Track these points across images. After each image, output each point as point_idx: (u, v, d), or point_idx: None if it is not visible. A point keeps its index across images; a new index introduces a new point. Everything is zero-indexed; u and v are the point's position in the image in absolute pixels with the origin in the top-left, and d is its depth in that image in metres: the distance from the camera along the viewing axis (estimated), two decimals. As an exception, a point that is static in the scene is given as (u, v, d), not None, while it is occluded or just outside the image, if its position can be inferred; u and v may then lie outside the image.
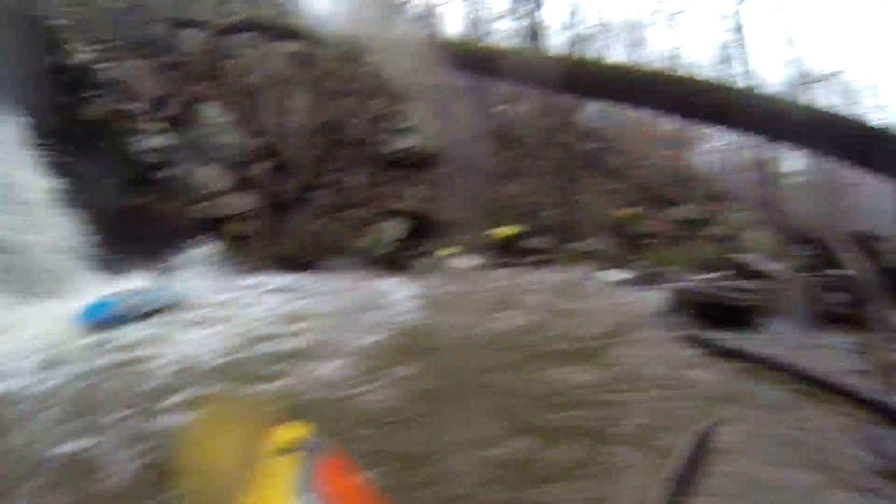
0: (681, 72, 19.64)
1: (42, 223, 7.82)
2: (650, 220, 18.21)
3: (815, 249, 9.34)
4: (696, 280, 8.83)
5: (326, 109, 17.34)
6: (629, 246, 14.96)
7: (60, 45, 9.94)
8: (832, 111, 10.02)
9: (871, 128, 9.09)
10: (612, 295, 8.92)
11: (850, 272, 7.44)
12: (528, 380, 4.55)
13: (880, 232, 8.86)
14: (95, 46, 12.71)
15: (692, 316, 6.66)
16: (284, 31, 14.64)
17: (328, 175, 15.29)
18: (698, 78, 10.90)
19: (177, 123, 13.07)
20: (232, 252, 11.05)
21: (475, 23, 24.90)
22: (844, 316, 6.61)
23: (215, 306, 7.51)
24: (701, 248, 15.73)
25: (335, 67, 18.81)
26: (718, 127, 14.16)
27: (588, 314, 7.26)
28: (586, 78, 11.13)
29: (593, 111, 25.63)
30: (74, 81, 10.12)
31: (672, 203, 19.28)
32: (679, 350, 5.50)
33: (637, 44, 28.26)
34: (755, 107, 9.44)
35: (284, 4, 18.47)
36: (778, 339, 5.97)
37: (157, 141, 11.57)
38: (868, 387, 4.08)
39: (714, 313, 6.59)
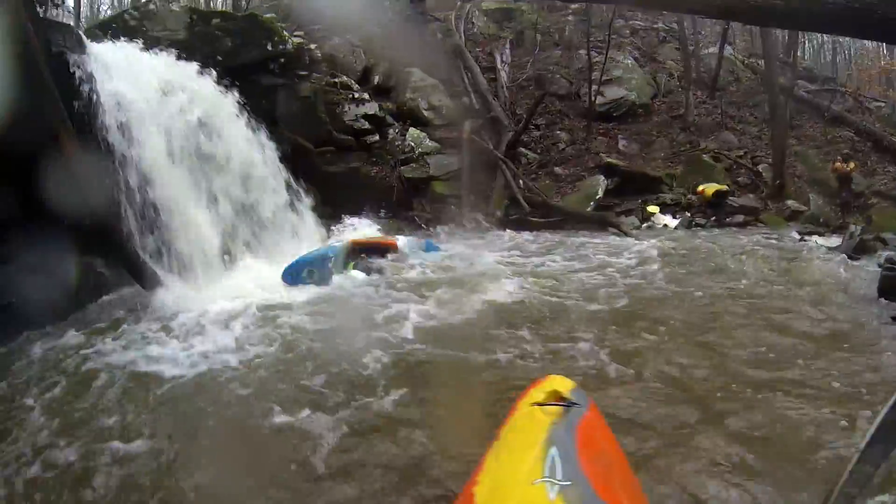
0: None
1: (277, 192, 8.51)
2: (876, 176, 15.46)
3: None
4: None
5: (532, 64, 17.01)
6: (849, 206, 13.14)
7: (275, 34, 10.54)
8: None
9: None
10: (821, 264, 7.69)
11: None
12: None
13: None
14: (304, 31, 13.56)
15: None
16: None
17: (536, 131, 14.96)
18: None
19: (384, 91, 13.52)
20: (441, 212, 11.40)
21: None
22: None
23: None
24: None
25: (538, 20, 18.39)
26: None
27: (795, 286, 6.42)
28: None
29: (810, 49, 22.52)
30: (290, 63, 10.72)
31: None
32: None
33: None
34: None
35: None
36: None
37: (367, 108, 11.95)
38: None
39: None
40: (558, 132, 15.31)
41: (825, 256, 8.20)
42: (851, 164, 13.37)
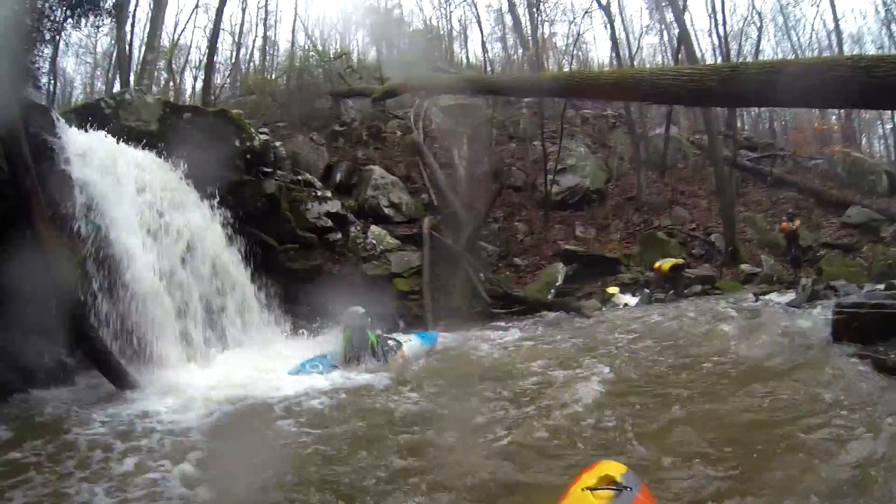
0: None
1: (237, 287, 8.71)
2: (821, 229, 16.32)
3: None
4: (865, 293, 8.33)
5: (489, 158, 17.61)
6: (798, 261, 13.87)
7: (242, 130, 10.76)
8: None
9: None
10: (779, 318, 8.33)
11: None
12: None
13: None
14: (269, 127, 13.92)
15: (859, 333, 6.01)
16: (443, 88, 14.93)
17: (494, 224, 15.35)
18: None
19: (346, 188, 13.84)
20: (404, 309, 11.43)
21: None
22: None
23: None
24: (880, 254, 13.92)
25: (494, 115, 19.15)
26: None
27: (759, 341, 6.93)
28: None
29: (749, 119, 23.84)
30: (255, 159, 10.90)
31: (845, 204, 17.00)
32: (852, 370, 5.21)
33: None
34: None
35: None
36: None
37: (329, 206, 12.14)
38: None
39: (886, 328, 5.91)
40: (516, 223, 15.75)
41: (782, 312, 8.77)
42: (796, 222, 14.08)
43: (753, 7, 26.84)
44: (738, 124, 24.19)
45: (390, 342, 7.67)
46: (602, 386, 5.49)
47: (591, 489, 2.12)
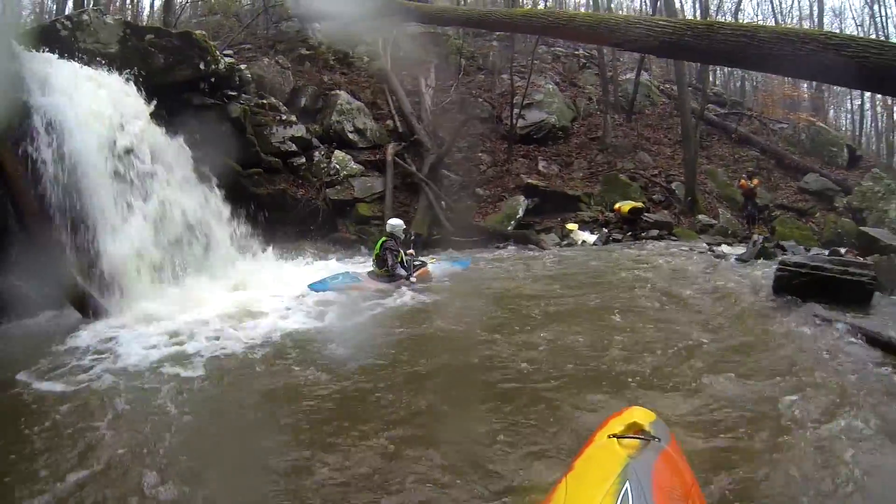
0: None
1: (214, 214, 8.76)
2: (779, 191, 16.92)
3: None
4: (810, 255, 8.43)
5: (456, 88, 17.55)
6: (753, 218, 14.41)
7: (207, 52, 10.53)
8: None
9: None
10: (726, 271, 8.60)
11: None
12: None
13: None
14: (233, 49, 13.67)
15: (800, 292, 6.36)
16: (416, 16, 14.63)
17: (458, 153, 15.38)
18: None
19: (311, 113, 13.69)
20: (366, 234, 11.67)
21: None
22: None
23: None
24: (831, 222, 14.53)
25: (463, 45, 18.96)
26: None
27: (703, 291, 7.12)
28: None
29: (721, 75, 24.02)
30: (220, 82, 10.82)
31: (804, 170, 17.63)
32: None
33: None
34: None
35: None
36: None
37: (294, 130, 12.11)
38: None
39: (822, 289, 6.33)
40: (480, 154, 15.84)
41: (730, 263, 9.19)
42: (755, 181, 14.54)
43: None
44: (710, 79, 24.40)
45: (416, 262, 8.23)
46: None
47: (618, 436, 2.06)
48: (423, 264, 8.28)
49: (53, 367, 4.49)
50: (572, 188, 15.28)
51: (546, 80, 18.72)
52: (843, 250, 10.19)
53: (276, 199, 11.06)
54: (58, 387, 4.07)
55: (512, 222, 13.35)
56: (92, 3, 15.44)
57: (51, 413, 3.62)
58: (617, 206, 13.93)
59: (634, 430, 2.13)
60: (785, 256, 8.54)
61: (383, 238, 7.71)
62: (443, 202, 12.79)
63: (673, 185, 16.25)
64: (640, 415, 2.30)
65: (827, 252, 9.64)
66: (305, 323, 5.85)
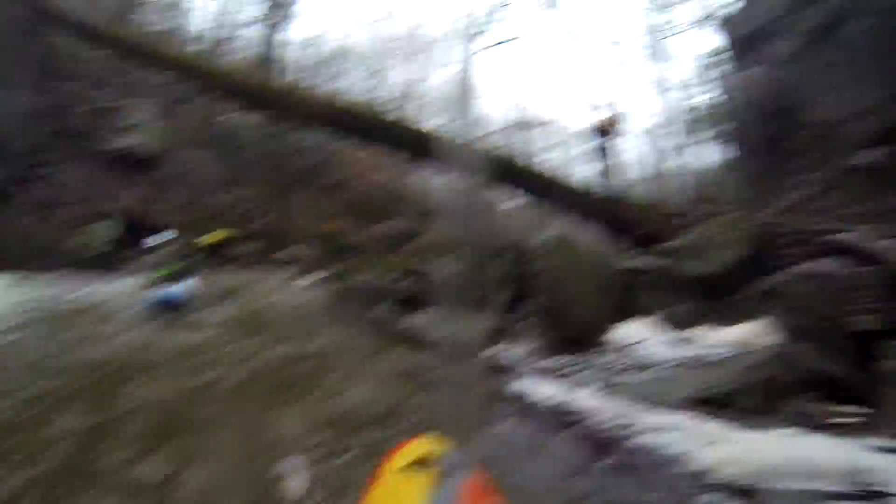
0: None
1: None
2: (357, 234, 20.23)
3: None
4: (370, 279, 11.70)
5: (49, 93, 16.36)
6: (332, 256, 16.55)
7: None
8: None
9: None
10: (300, 292, 11.29)
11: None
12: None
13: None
14: None
15: (362, 303, 9.30)
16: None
17: (42, 168, 14.70)
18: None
19: None
20: None
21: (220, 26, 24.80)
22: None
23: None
24: (401, 259, 18.27)
25: (63, 45, 17.53)
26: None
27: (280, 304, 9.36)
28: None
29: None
30: None
31: (381, 219, 21.47)
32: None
33: (375, 73, 30.11)
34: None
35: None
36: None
37: None
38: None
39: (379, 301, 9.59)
40: (68, 172, 15.22)
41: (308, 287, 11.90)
42: (335, 224, 17.51)
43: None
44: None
45: None
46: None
47: (410, 469, 1.80)
48: None
49: None
50: (161, 216, 15.31)
51: (148, 106, 18.54)
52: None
53: None
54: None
55: (97, 247, 13.54)
56: None
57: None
58: (202, 237, 14.84)
59: (429, 461, 1.83)
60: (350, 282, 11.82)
61: None
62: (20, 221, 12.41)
63: (261, 221, 17.97)
64: (434, 442, 2.01)
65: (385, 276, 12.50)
66: None
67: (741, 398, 5.10)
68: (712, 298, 8.76)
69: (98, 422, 4.54)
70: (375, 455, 2.36)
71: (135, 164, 17.25)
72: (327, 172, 23.49)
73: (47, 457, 4.01)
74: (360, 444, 4.21)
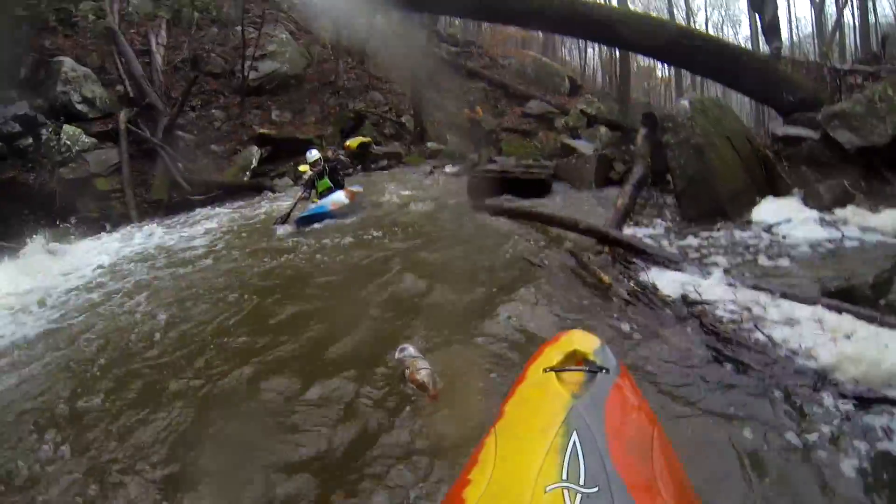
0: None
1: None
2: (505, 116, 20.14)
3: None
4: (503, 162, 11.37)
5: (188, 44, 17.78)
6: (479, 142, 16.57)
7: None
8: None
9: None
10: (441, 181, 11.86)
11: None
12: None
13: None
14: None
15: (493, 190, 9.09)
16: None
17: (192, 112, 15.86)
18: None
19: (33, 85, 13.15)
20: (107, 208, 11.79)
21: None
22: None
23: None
24: (552, 139, 17.99)
25: None
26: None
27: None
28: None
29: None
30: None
31: (527, 98, 21.16)
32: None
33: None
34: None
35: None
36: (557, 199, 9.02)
37: (14, 108, 11.66)
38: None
39: (510, 187, 9.31)
40: (213, 111, 16.56)
41: (444, 177, 12.30)
42: (479, 110, 17.33)
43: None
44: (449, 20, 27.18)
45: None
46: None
47: (557, 370, 1.73)
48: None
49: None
50: (304, 132, 16.72)
51: (280, 30, 19.61)
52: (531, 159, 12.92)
53: (6, 189, 10.70)
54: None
55: (247, 173, 14.48)
56: None
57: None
58: (346, 143, 15.78)
59: (576, 360, 1.81)
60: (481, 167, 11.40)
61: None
62: (179, 164, 13.30)
63: (403, 119, 18.55)
64: (581, 340, 1.95)
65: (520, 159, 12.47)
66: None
67: (884, 292, 4.40)
68: (870, 176, 7.81)
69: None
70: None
71: (274, 88, 18.27)
72: (470, 58, 23.45)
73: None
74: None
